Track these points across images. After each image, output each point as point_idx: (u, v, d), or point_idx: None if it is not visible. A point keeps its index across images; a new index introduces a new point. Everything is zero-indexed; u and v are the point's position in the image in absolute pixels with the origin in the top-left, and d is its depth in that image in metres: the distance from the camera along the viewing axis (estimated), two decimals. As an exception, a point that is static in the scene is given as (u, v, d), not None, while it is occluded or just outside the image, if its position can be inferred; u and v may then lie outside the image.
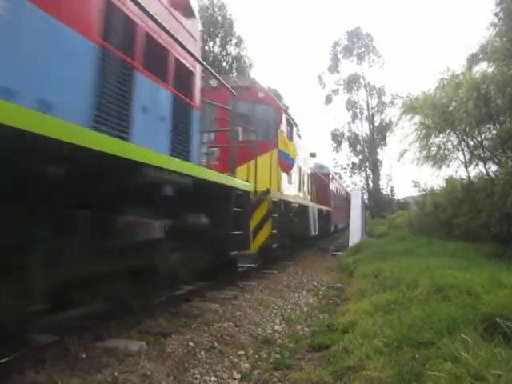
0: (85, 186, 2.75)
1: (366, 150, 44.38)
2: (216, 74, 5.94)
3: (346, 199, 27.39)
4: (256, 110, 8.03)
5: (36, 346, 3.25)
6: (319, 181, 16.51)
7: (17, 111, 1.98)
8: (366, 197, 30.38)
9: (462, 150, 15.67)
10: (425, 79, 58.55)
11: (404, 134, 17.92)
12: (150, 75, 3.90)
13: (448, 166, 16.41)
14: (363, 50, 43.91)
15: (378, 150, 43.89)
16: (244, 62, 31.16)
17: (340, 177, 40.11)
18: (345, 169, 45.53)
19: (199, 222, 4.94)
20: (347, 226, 26.44)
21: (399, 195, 42.90)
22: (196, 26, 5.34)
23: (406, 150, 18.20)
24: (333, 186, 20.62)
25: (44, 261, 2.59)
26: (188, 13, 4.92)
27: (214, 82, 7.46)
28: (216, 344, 3.73)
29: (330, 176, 19.95)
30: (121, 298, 4.02)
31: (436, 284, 4.61)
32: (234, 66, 30.85)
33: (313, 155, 15.67)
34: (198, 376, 3.05)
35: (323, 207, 15.85)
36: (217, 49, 31.26)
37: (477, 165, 15.08)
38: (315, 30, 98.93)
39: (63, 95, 2.73)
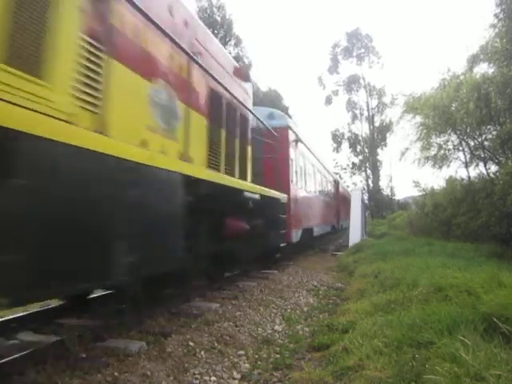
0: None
1: (366, 150, 44.44)
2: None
3: (332, 192, 19.56)
4: None
5: (36, 345, 3.26)
6: (261, 137, 8.57)
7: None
8: (366, 197, 29.93)
9: (463, 150, 15.74)
10: (425, 79, 58.78)
11: (405, 134, 18.04)
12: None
13: (448, 166, 16.50)
14: (363, 50, 44.01)
15: (378, 150, 44.01)
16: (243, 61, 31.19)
17: (340, 177, 40.06)
18: (345, 169, 45.64)
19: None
20: (336, 231, 20.04)
21: (399, 195, 43.04)
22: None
23: (407, 149, 18.31)
24: (299, 156, 11.28)
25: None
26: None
27: None
28: (216, 344, 3.73)
29: (291, 137, 10.42)
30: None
31: (436, 284, 4.61)
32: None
33: (241, 73, 6.95)
34: (198, 376, 3.05)
35: (260, 190, 6.82)
36: (216, 49, 31.25)
37: (477, 165, 15.16)
38: (315, 31, 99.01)
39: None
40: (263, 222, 7.08)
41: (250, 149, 7.16)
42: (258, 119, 7.70)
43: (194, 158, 4.59)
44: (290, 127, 10.40)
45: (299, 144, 11.55)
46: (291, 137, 10.53)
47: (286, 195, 8.66)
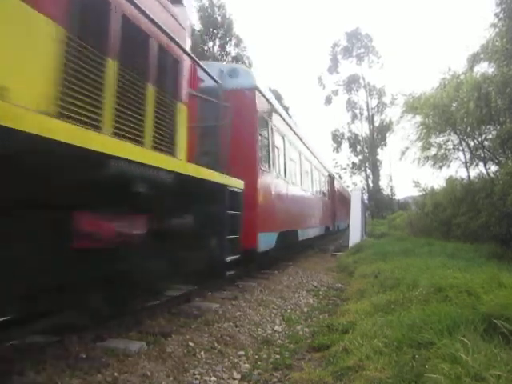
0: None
1: (366, 150, 44.45)
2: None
3: (327, 188, 17.22)
4: None
5: (36, 346, 3.25)
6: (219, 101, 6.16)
7: None
8: (365, 197, 29.82)
9: (463, 150, 15.76)
10: (425, 79, 58.92)
11: (405, 134, 18.05)
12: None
13: (448, 166, 16.50)
14: (363, 50, 44.05)
15: (378, 150, 44.04)
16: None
17: (340, 176, 40.01)
18: (345, 169, 45.66)
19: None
20: (332, 233, 18.17)
21: (399, 195, 43.07)
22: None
23: (407, 148, 18.31)
24: (274, 134, 8.58)
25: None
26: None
27: None
28: (216, 344, 3.74)
29: (261, 104, 7.71)
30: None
31: (436, 284, 4.61)
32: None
33: None
34: (198, 376, 3.05)
35: (175, 166, 3.99)
36: (216, 49, 31.29)
37: (477, 165, 15.16)
38: (315, 30, 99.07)
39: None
40: (189, 222, 4.57)
41: (184, 110, 4.60)
42: (196, 61, 4.99)
43: (13, 88, 2.34)
44: (258, 89, 7.45)
45: (275, 117, 8.63)
46: (261, 104, 7.64)
47: (242, 182, 5.82)
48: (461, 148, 15.74)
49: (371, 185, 43.41)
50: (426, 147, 16.63)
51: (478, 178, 14.19)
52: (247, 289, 6.49)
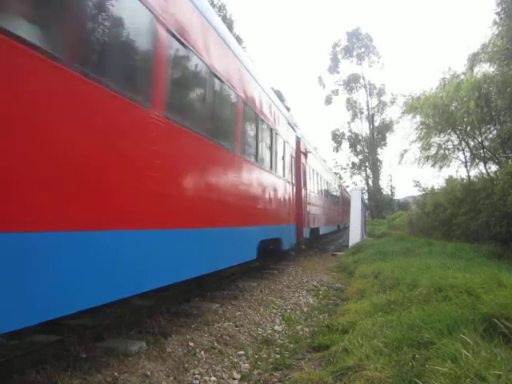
0: None
1: (366, 149, 44.43)
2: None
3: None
4: None
5: (36, 346, 3.25)
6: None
7: None
8: (365, 197, 29.70)
9: (463, 149, 15.75)
10: (426, 79, 58.84)
11: (405, 134, 18.03)
12: None
13: (448, 166, 16.49)
14: (363, 50, 44.02)
15: (378, 149, 44.02)
16: None
17: (340, 177, 39.96)
18: (345, 169, 45.65)
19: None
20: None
21: (399, 195, 43.07)
22: None
23: (406, 151, 18.30)
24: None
25: None
26: None
27: None
28: (216, 344, 3.74)
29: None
30: None
31: (436, 284, 4.61)
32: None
33: None
34: (198, 376, 3.05)
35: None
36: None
37: (477, 165, 15.14)
38: (316, 30, 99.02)
39: None
40: None
41: None
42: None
43: None
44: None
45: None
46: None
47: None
48: (461, 148, 15.74)
49: (371, 185, 43.40)
50: (426, 148, 16.63)
51: (478, 178, 14.18)
52: (247, 288, 6.49)
